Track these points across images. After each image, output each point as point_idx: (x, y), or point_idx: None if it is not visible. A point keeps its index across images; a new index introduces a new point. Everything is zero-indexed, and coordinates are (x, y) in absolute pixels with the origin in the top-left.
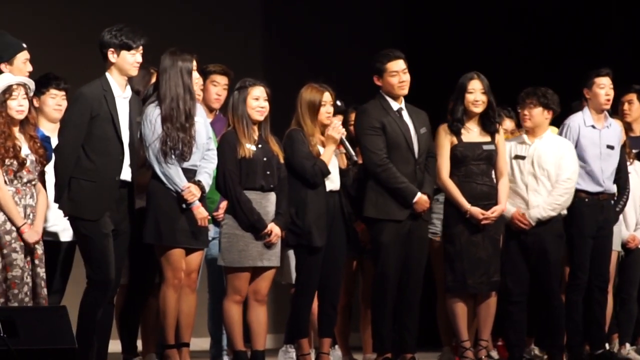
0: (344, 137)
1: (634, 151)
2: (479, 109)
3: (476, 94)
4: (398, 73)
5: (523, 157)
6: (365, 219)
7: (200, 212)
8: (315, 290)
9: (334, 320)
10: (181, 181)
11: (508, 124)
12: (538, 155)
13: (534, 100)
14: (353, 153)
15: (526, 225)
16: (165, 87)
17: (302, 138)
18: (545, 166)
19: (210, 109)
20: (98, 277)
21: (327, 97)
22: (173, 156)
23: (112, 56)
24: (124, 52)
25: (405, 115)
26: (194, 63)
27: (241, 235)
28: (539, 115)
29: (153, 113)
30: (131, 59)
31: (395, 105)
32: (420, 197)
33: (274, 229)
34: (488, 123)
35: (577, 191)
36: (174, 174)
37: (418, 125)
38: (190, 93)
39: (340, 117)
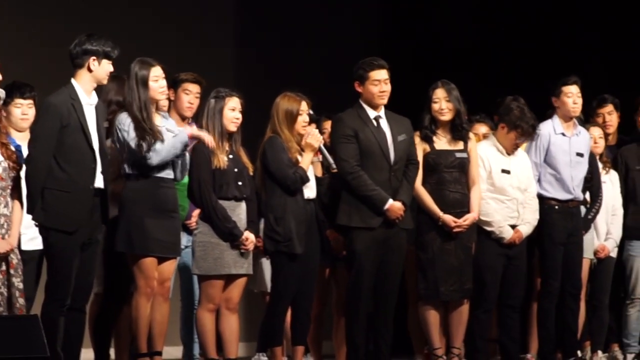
0: (322, 145)
1: (608, 160)
2: (445, 117)
3: (441, 102)
4: (380, 82)
5: (509, 172)
6: (339, 227)
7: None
8: (291, 297)
9: (307, 328)
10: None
11: (482, 129)
12: (520, 170)
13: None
14: (332, 161)
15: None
16: (130, 95)
17: (282, 145)
18: (526, 180)
19: (182, 118)
20: (57, 291)
21: (304, 106)
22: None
23: (93, 64)
24: (104, 61)
25: (383, 123)
26: (154, 70)
27: (216, 243)
28: None
29: (126, 121)
30: (109, 68)
31: (372, 113)
32: (393, 205)
33: (250, 237)
34: (456, 130)
35: (547, 199)
36: (161, 148)
37: (397, 133)
38: (146, 102)
39: (313, 126)
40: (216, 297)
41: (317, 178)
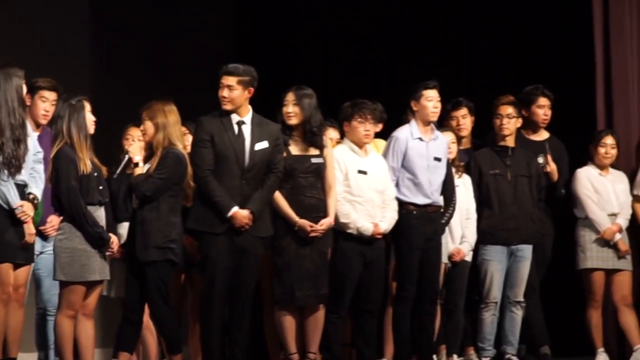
0: (128, 155)
1: (462, 164)
2: (291, 121)
3: (289, 105)
4: (222, 87)
5: (365, 172)
6: (191, 231)
7: (30, 228)
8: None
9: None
10: (15, 198)
11: (333, 134)
12: (377, 171)
13: (370, 116)
14: (118, 171)
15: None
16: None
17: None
18: (383, 181)
19: (37, 124)
20: None
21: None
22: (6, 171)
23: None
24: None
25: (245, 128)
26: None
27: (83, 250)
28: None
29: None
30: None
31: (235, 118)
32: (237, 212)
33: (115, 240)
34: (307, 136)
35: (406, 203)
36: (6, 191)
37: (257, 139)
38: (23, 106)
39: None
40: (77, 303)
41: None
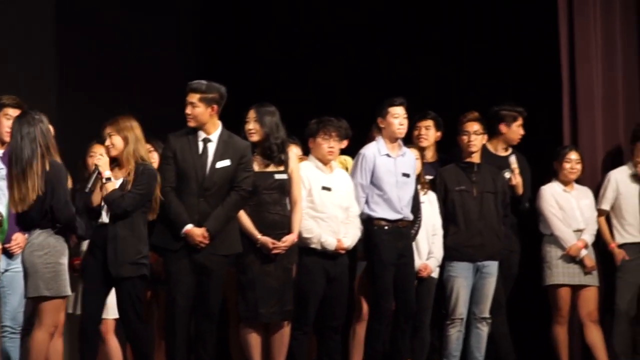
0: (99, 170)
1: (428, 178)
2: (253, 138)
3: (250, 123)
4: (187, 104)
5: (329, 189)
6: (154, 247)
7: None
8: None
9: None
10: None
11: (295, 150)
12: (341, 187)
13: (334, 133)
14: (89, 185)
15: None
16: None
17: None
18: (347, 198)
19: (1, 142)
20: None
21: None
22: None
23: None
24: None
25: (210, 146)
26: None
27: (63, 265)
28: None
29: None
30: None
31: (202, 135)
32: (190, 230)
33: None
34: (268, 152)
35: (376, 219)
36: None
37: (220, 157)
38: None
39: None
40: (58, 318)
41: None
